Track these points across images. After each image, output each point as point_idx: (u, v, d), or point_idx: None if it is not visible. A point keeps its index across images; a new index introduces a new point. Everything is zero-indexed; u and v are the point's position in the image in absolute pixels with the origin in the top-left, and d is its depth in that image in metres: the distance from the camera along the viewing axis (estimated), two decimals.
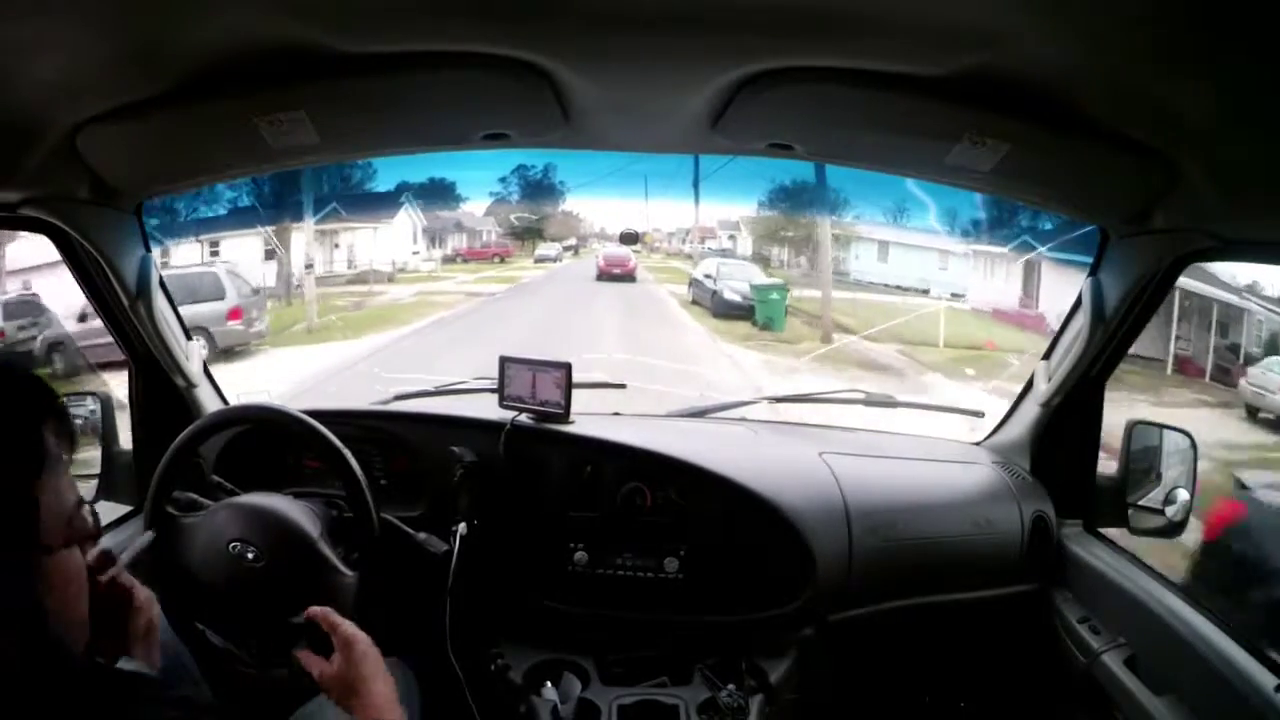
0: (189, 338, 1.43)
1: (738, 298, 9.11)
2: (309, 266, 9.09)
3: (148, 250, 1.27)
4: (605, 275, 11.91)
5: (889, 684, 1.55)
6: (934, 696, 1.58)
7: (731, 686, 1.22)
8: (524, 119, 1.06)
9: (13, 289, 6.56)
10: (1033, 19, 0.71)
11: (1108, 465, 1.42)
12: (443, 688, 1.21)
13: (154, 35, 0.78)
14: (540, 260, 14.36)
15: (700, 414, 1.73)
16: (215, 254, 8.35)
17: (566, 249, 15.49)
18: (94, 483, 1.39)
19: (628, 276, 12.04)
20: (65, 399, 1.46)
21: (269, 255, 8.91)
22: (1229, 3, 0.62)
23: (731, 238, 13.95)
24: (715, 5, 0.74)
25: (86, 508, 0.62)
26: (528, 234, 14.46)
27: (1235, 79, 0.71)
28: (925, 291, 9.14)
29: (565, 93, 0.95)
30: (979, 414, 1.77)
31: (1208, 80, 0.73)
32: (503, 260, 13.99)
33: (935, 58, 0.81)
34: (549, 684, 1.21)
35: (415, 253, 12.65)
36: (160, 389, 1.41)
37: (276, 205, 8.58)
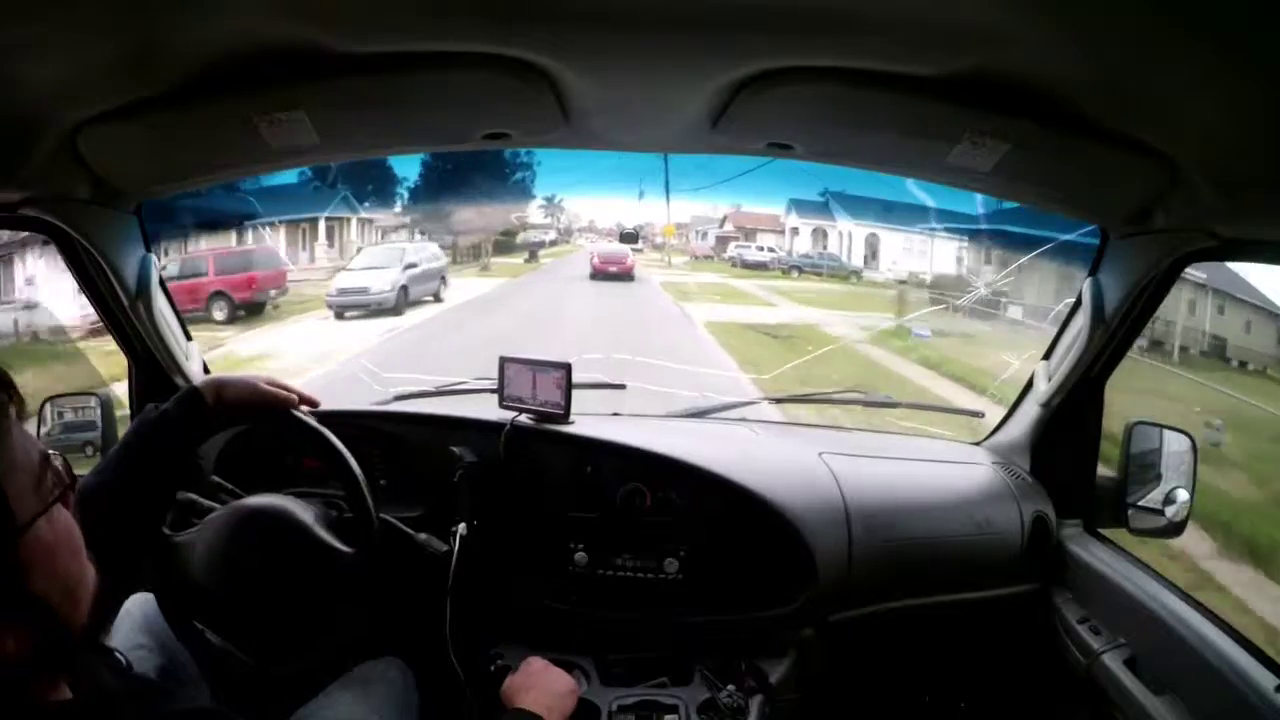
0: (189, 338, 1.43)
1: None
2: None
3: (148, 250, 1.28)
4: (600, 274, 9.70)
5: (889, 684, 1.55)
6: (934, 696, 1.58)
7: (731, 687, 1.22)
8: (524, 119, 1.06)
9: None
10: (1033, 19, 0.71)
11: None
12: (443, 688, 1.21)
13: (154, 35, 0.78)
14: (343, 303, 6.46)
15: (700, 414, 1.72)
16: None
17: (529, 246, 10.78)
18: None
19: (625, 275, 9.89)
20: (63, 398, 1.47)
21: None
22: (1229, 3, 0.62)
23: (820, 234, 9.85)
24: (715, 5, 0.74)
25: (55, 459, 0.57)
26: (431, 221, 9.48)
27: (1235, 79, 0.71)
28: None
29: (565, 92, 0.95)
30: (979, 414, 1.77)
31: (1208, 80, 0.73)
32: (239, 308, 5.96)
33: (935, 58, 0.81)
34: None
35: None
36: (160, 389, 1.41)
37: None
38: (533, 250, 11.47)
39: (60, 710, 0.58)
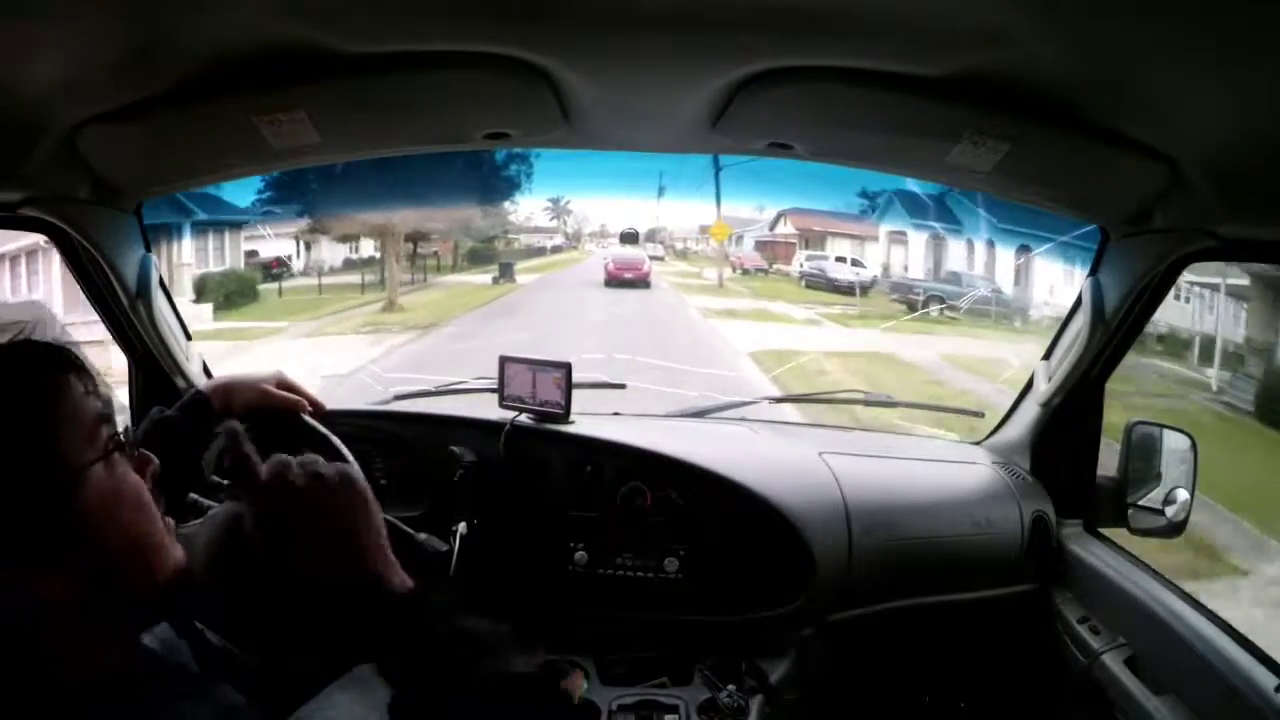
0: (189, 338, 1.43)
1: None
2: None
3: (148, 250, 1.28)
4: (614, 280, 8.49)
5: (889, 684, 1.55)
6: (934, 696, 1.58)
7: (731, 687, 1.22)
8: (524, 119, 1.06)
9: None
10: (1033, 19, 0.71)
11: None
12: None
13: (154, 35, 0.78)
14: None
15: (700, 414, 1.73)
16: None
17: (502, 260, 7.85)
18: None
19: (641, 282, 8.56)
20: None
21: None
22: (1229, 3, 0.62)
23: (942, 247, 6.13)
24: (715, 5, 0.74)
25: (113, 422, 0.61)
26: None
27: (1235, 79, 0.71)
28: None
29: (565, 92, 0.95)
30: (979, 414, 1.77)
31: (1208, 80, 0.73)
32: None
33: (935, 58, 0.81)
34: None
35: None
36: (160, 389, 1.41)
37: None
38: (505, 266, 8.21)
39: (87, 681, 0.58)
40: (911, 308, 6.89)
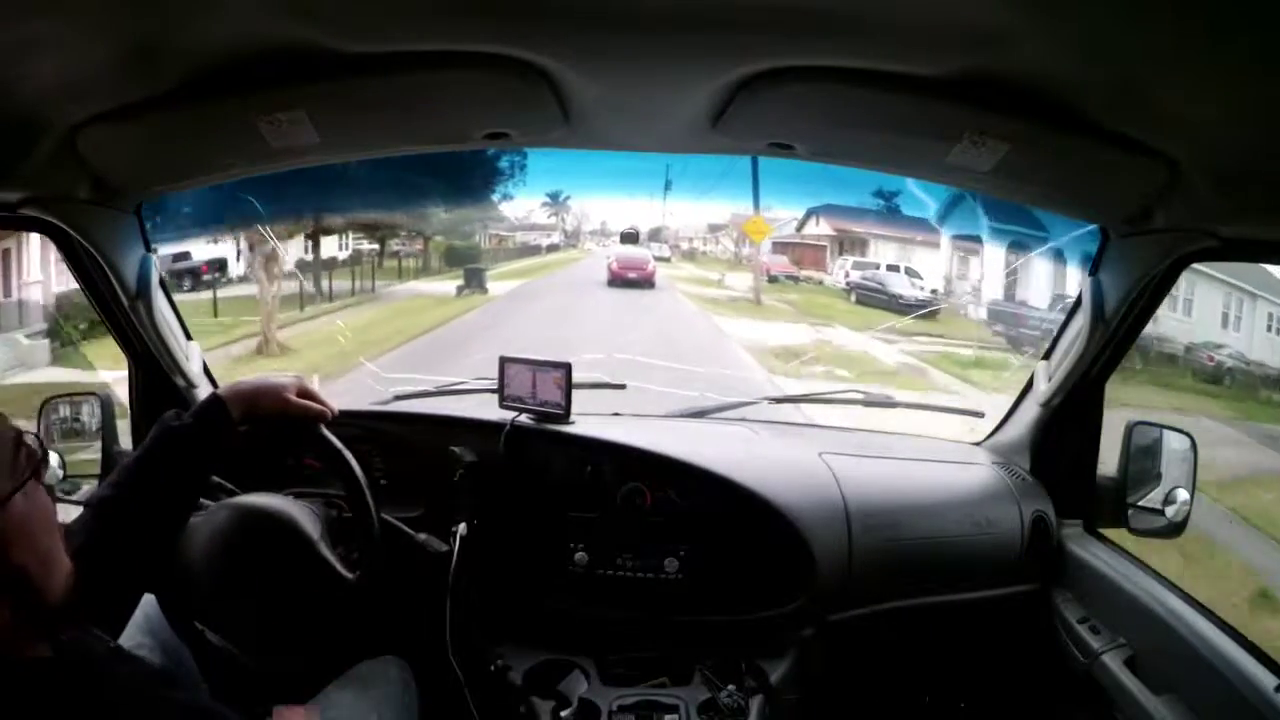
0: (189, 337, 1.43)
1: None
2: None
3: (148, 250, 1.28)
4: (618, 280, 7.78)
5: (889, 684, 1.55)
6: (934, 696, 1.58)
7: (731, 687, 1.22)
8: (524, 119, 1.06)
9: None
10: (1033, 19, 0.71)
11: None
12: (443, 688, 1.21)
13: (154, 35, 0.78)
14: None
15: (700, 414, 1.72)
16: None
17: (468, 264, 6.79)
18: (94, 483, 1.39)
19: (646, 282, 7.85)
20: (63, 398, 1.46)
21: None
22: (1229, 3, 0.62)
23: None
24: (715, 5, 0.74)
25: (27, 436, 0.61)
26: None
27: (1235, 79, 0.71)
28: None
29: (565, 92, 0.95)
30: (979, 414, 1.77)
31: (1208, 80, 0.73)
32: None
33: (935, 58, 0.81)
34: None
35: None
36: (160, 389, 1.41)
37: None
38: (473, 272, 6.95)
39: (40, 666, 0.59)
40: (1014, 345, 4.99)
